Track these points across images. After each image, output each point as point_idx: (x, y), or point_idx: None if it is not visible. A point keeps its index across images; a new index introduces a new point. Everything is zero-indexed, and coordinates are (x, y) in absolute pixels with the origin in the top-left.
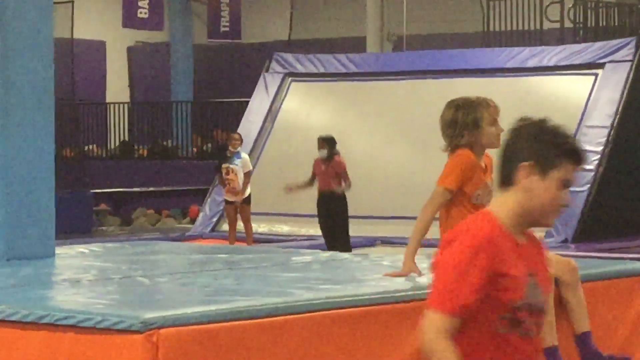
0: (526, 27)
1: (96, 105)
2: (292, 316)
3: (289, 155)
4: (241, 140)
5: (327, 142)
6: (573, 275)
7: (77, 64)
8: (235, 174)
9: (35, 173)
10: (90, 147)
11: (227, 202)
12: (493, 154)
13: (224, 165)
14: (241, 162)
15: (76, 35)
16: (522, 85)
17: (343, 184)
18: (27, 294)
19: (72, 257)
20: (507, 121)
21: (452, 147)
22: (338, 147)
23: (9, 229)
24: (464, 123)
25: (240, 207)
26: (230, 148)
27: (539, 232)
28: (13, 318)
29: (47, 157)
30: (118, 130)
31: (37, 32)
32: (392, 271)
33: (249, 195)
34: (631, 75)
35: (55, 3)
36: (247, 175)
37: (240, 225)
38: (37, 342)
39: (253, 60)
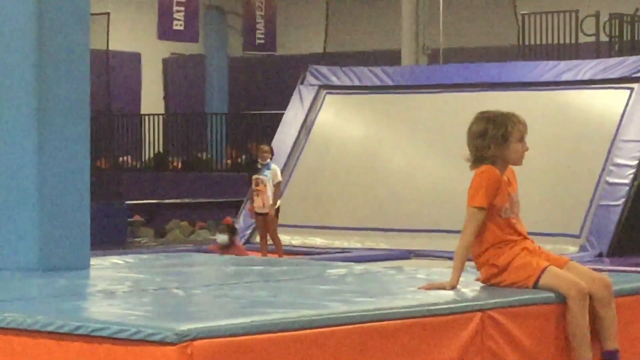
0: (561, 41)
1: (131, 117)
2: (326, 329)
3: (324, 167)
4: (271, 152)
5: (228, 231)
6: (607, 292)
7: (113, 75)
8: (265, 185)
9: (70, 184)
10: (125, 158)
11: (257, 214)
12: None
13: (253, 177)
14: (271, 173)
15: (112, 47)
16: (556, 99)
17: None
18: (62, 305)
19: (106, 268)
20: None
21: (476, 159)
22: (373, 160)
23: (44, 240)
24: (493, 136)
25: (268, 219)
26: (259, 160)
27: (572, 247)
28: (48, 329)
29: (83, 169)
30: (153, 141)
31: (74, 43)
32: (430, 283)
33: (278, 207)
34: None
35: (91, 15)
36: (277, 186)
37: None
38: (72, 353)
39: (288, 73)
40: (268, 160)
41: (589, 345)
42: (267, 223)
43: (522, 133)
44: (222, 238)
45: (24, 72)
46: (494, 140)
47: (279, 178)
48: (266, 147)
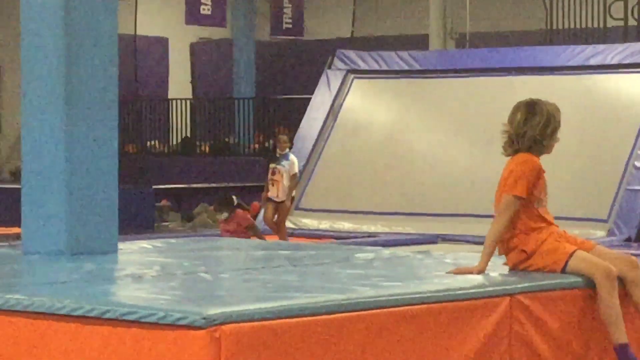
0: (589, 25)
1: (158, 102)
2: (354, 313)
3: (351, 152)
4: (290, 142)
5: (222, 204)
6: (636, 273)
7: (140, 60)
8: (282, 175)
9: (99, 168)
10: (153, 143)
11: (269, 200)
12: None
13: (271, 165)
14: (288, 164)
15: (139, 32)
16: (584, 84)
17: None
18: (90, 289)
19: (134, 252)
20: (568, 119)
21: (516, 148)
22: (400, 144)
23: (73, 224)
24: (553, 127)
25: (281, 208)
26: (278, 150)
27: (599, 232)
28: (77, 313)
29: (111, 153)
30: (180, 126)
31: (102, 28)
32: (458, 267)
33: (292, 197)
34: None
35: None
36: (293, 178)
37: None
38: (100, 337)
39: (315, 57)
40: (286, 151)
41: (623, 326)
42: (279, 211)
43: (559, 124)
44: (223, 215)
45: (53, 57)
46: (539, 129)
47: (296, 170)
48: (285, 137)
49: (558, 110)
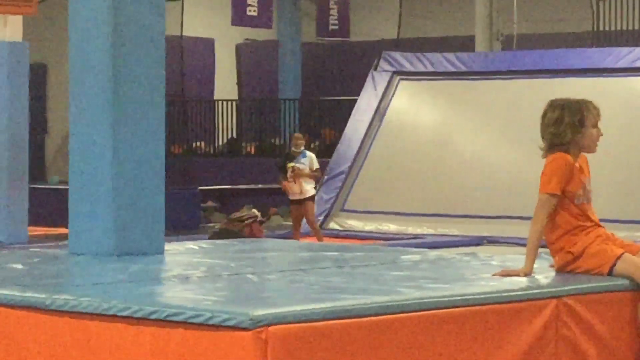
0: (636, 27)
1: (205, 103)
2: (400, 315)
3: (397, 153)
4: (305, 140)
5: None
6: None
7: (187, 61)
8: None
9: (145, 170)
10: (198, 144)
11: (292, 201)
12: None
13: (289, 165)
14: (307, 160)
15: (186, 33)
16: (631, 86)
17: None
18: (137, 290)
19: (181, 253)
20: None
21: (550, 146)
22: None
23: (119, 225)
24: (569, 122)
25: (305, 204)
26: (293, 148)
27: (636, 233)
28: (123, 313)
29: (158, 154)
30: (226, 127)
31: (149, 29)
32: (504, 270)
33: (314, 194)
34: None
35: (166, 1)
36: (316, 172)
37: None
38: (146, 338)
39: (361, 59)
40: (302, 148)
41: None
42: (305, 210)
43: (596, 119)
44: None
45: (101, 58)
46: (570, 126)
47: (317, 165)
48: (300, 135)
49: (588, 103)
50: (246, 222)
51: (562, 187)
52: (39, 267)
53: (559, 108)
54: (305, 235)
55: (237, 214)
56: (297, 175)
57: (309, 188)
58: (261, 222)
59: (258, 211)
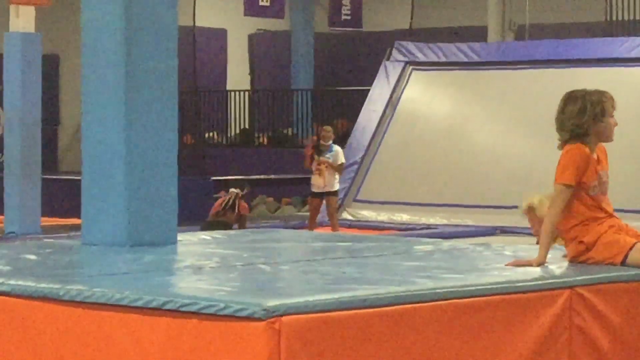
0: None
1: (217, 93)
2: (414, 305)
3: (410, 143)
4: (333, 134)
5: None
6: None
7: (199, 52)
8: (327, 166)
9: (158, 160)
10: (211, 134)
11: (314, 194)
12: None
13: (316, 158)
14: (333, 155)
15: (198, 24)
16: None
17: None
18: (150, 280)
19: (194, 244)
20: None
21: (570, 138)
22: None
23: (132, 215)
24: (592, 113)
25: (327, 199)
26: (321, 141)
27: None
28: (137, 304)
29: (170, 145)
30: (238, 117)
31: (162, 20)
32: (517, 260)
33: (337, 189)
34: None
35: None
36: (340, 167)
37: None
38: (160, 328)
39: (374, 49)
40: (330, 142)
41: None
42: (328, 203)
43: (613, 108)
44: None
45: (114, 49)
46: (592, 117)
47: (342, 160)
48: (329, 128)
49: (602, 97)
50: (230, 204)
51: (577, 178)
52: (52, 258)
53: (580, 99)
54: (318, 226)
55: (218, 207)
56: (326, 165)
57: (333, 182)
58: (243, 197)
59: (275, 200)
